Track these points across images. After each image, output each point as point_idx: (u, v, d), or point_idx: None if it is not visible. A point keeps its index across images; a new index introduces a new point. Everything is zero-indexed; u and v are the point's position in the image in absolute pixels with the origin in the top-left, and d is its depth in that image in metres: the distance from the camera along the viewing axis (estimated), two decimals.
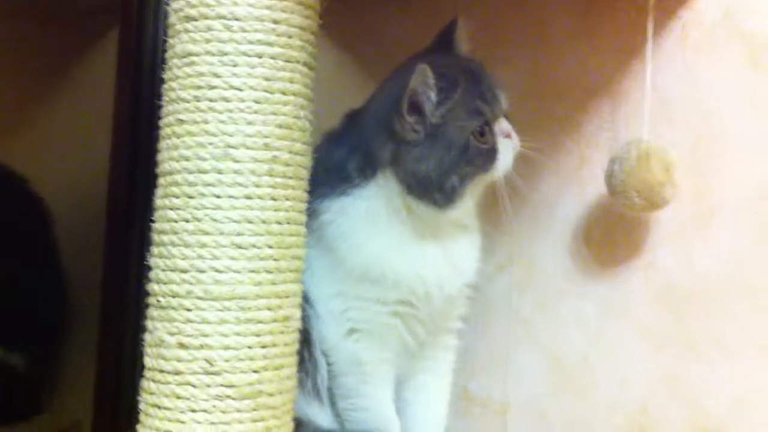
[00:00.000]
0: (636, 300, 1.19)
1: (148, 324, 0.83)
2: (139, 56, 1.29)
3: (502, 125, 0.99)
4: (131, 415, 1.08)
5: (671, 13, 1.18)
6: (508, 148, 0.99)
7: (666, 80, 1.18)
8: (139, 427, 0.82)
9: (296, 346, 0.86)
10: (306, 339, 0.95)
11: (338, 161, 1.00)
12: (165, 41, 1.25)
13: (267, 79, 0.81)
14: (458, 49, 1.04)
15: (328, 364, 1.00)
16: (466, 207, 1.00)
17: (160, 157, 0.84)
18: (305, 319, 0.93)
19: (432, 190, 0.96)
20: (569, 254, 1.22)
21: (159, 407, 0.80)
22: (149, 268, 0.84)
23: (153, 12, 1.31)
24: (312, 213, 0.93)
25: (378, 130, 0.97)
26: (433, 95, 0.94)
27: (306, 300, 0.95)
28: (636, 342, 1.19)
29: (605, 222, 1.20)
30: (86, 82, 1.46)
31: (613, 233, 1.20)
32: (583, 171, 1.22)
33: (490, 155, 0.97)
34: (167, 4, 0.86)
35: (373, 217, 0.98)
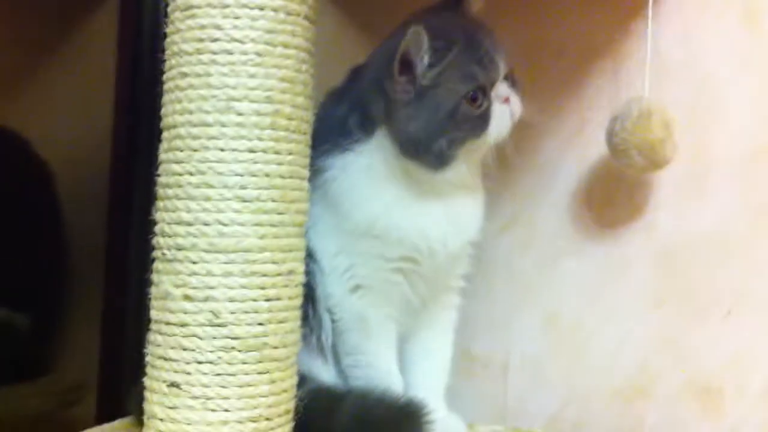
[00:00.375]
0: (636, 260, 1.20)
1: (154, 277, 0.83)
2: (140, 17, 1.28)
3: (500, 90, 0.97)
4: (137, 374, 1.09)
5: None
6: (504, 114, 0.97)
7: (666, 41, 1.18)
8: (145, 378, 0.82)
9: (300, 300, 0.86)
10: (311, 296, 0.96)
11: (340, 117, 0.99)
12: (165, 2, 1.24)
13: (269, 31, 0.81)
14: (467, 7, 1.01)
15: (333, 321, 1.00)
16: (460, 170, 0.98)
17: (163, 110, 0.84)
18: (310, 275, 0.94)
19: (421, 151, 0.95)
20: (570, 216, 1.23)
21: (165, 359, 0.80)
22: (154, 224, 0.84)
23: None
24: (316, 170, 0.93)
25: (372, 87, 0.97)
26: (426, 57, 0.93)
27: (311, 256, 0.96)
28: (635, 302, 1.20)
29: (606, 184, 1.21)
30: (88, 43, 1.46)
31: (613, 195, 1.21)
32: (585, 133, 1.22)
33: (481, 121, 0.95)
34: None
35: (374, 173, 0.98)
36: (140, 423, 0.86)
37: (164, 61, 0.84)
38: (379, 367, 1.01)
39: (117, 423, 1.01)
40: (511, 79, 0.99)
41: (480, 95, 0.95)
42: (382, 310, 1.01)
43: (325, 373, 1.00)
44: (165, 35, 0.85)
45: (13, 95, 1.48)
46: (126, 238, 1.27)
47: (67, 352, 1.39)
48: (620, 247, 1.21)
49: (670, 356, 1.18)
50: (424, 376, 1.06)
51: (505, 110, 0.97)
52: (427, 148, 0.95)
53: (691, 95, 1.17)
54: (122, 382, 1.23)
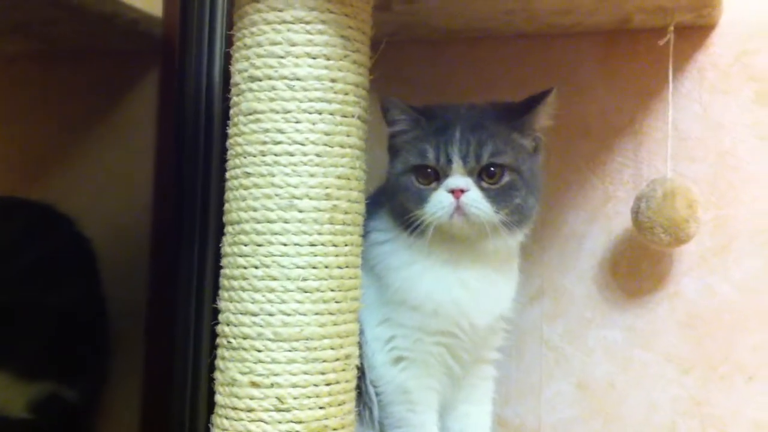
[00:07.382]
0: (661, 328, 1.25)
1: (220, 364, 0.88)
2: (181, 94, 1.29)
3: (452, 181, 0.97)
4: None
5: (689, 57, 1.25)
6: (445, 201, 0.97)
7: (685, 120, 1.25)
8: None
9: (355, 382, 0.91)
10: (361, 371, 1.00)
11: None
12: (208, 79, 1.29)
13: (327, 134, 0.87)
14: (536, 115, 1.04)
15: (377, 394, 1.04)
16: (438, 240, 1.00)
17: (227, 207, 0.90)
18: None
19: (399, 219, 1.02)
20: (597, 285, 1.28)
21: None
22: (217, 313, 0.89)
23: (194, 50, 1.32)
24: (364, 232, 0.96)
25: None
26: (398, 123, 1.03)
27: None
28: (662, 368, 1.25)
29: (631, 254, 1.27)
30: (129, 121, 1.50)
31: (638, 265, 1.26)
32: (609, 206, 1.28)
33: (420, 197, 0.99)
34: (230, 64, 0.92)
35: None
36: None
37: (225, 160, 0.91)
38: None
39: None
40: (485, 174, 0.98)
41: (426, 174, 0.99)
42: (423, 381, 1.04)
43: None
44: (226, 136, 0.91)
45: (55, 173, 1.53)
46: (168, 310, 1.31)
47: (109, 420, 1.43)
48: (646, 315, 1.26)
49: (696, 420, 1.23)
50: None
51: (448, 198, 0.97)
52: (399, 217, 1.02)
53: (711, 170, 1.24)
54: None
